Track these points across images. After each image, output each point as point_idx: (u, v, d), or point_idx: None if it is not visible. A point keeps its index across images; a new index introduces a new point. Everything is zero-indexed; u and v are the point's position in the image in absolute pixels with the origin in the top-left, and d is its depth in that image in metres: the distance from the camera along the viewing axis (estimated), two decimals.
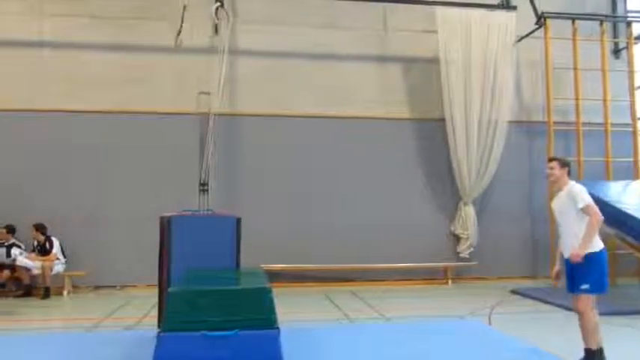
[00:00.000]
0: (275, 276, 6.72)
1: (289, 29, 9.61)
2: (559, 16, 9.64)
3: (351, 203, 9.57)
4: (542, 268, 9.67)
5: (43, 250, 8.50)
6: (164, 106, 9.15)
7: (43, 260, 8.36)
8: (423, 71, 9.99)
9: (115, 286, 8.87)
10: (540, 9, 9.62)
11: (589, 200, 4.64)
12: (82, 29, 9.16)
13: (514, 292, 8.47)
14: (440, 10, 9.68)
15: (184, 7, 8.48)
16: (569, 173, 4.94)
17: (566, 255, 4.75)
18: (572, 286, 4.67)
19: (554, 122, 9.52)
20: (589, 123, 9.67)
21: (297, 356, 4.63)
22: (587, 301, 4.61)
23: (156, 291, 5.59)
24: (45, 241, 8.53)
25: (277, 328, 4.08)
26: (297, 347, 4.88)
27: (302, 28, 9.65)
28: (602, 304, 4.89)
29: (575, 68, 9.59)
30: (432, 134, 9.93)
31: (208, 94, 8.85)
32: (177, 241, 5.21)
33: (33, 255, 8.49)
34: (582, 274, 4.60)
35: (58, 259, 8.52)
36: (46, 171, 8.85)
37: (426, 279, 9.65)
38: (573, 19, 9.66)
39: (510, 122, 9.90)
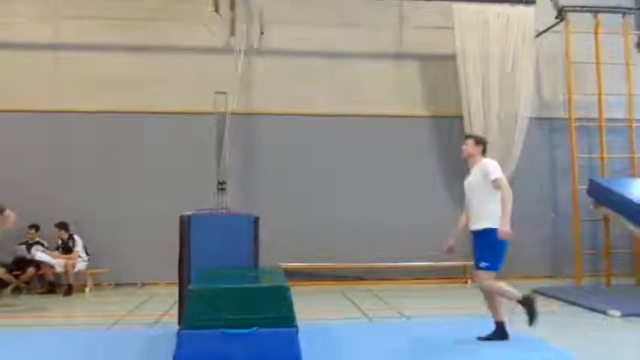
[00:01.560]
0: (293, 275, 6.73)
1: (305, 28, 9.61)
2: (580, 9, 9.46)
3: (368, 202, 9.53)
4: (564, 267, 9.54)
5: (67, 249, 8.65)
6: (181, 106, 9.23)
7: (66, 258, 8.51)
8: (440, 68, 9.90)
9: (135, 284, 8.99)
10: (560, 2, 9.45)
11: (500, 174, 4.71)
12: (99, 31, 9.30)
13: (535, 291, 8.33)
14: (457, 6, 9.58)
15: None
16: (484, 152, 5.00)
17: (472, 228, 4.85)
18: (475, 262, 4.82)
19: (576, 118, 9.35)
20: (612, 119, 9.49)
21: (315, 354, 4.62)
22: (487, 276, 4.76)
23: (176, 289, 5.64)
24: (68, 239, 8.68)
25: (296, 326, 4.08)
26: (316, 345, 4.87)
27: (318, 26, 9.63)
28: (628, 306, 4.81)
29: (597, 62, 9.40)
30: (449, 131, 9.83)
31: (225, 93, 8.88)
32: (197, 239, 5.26)
33: (56, 253, 8.65)
34: (482, 251, 4.76)
35: (80, 257, 8.67)
36: (67, 171, 8.99)
37: (444, 278, 9.57)
38: (595, 12, 9.47)
39: (530, 118, 9.75)
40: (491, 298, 4.94)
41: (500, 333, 4.95)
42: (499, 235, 4.68)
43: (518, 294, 4.86)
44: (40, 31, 9.22)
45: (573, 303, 7.26)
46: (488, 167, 4.81)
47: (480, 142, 5.09)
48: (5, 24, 9.13)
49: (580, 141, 9.42)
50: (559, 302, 7.51)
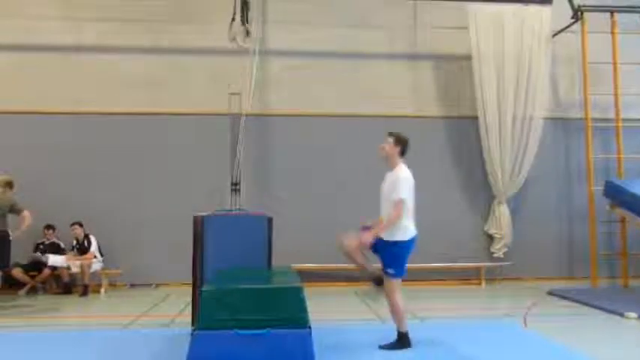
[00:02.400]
0: (306, 275, 6.72)
1: (319, 29, 9.61)
2: (597, 9, 9.35)
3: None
4: (580, 268, 9.43)
5: (82, 249, 8.75)
6: (197, 107, 9.29)
7: (82, 259, 8.60)
8: (455, 68, 9.84)
9: (150, 284, 9.06)
10: (577, 2, 9.35)
11: (403, 195, 4.69)
12: (117, 33, 9.38)
13: (550, 293, 8.25)
14: (472, 6, 9.52)
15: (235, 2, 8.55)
16: (402, 153, 4.95)
17: (380, 233, 4.79)
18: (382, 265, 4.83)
19: (593, 119, 9.24)
20: (629, 119, 9.36)
21: (328, 355, 4.62)
22: (393, 286, 4.74)
23: (190, 289, 5.67)
24: (84, 239, 8.78)
25: (309, 327, 4.09)
26: (329, 346, 4.88)
27: (332, 27, 9.63)
28: None
29: (613, 62, 9.28)
30: (464, 132, 9.78)
31: (239, 94, 8.92)
32: (211, 240, 5.29)
33: (71, 254, 8.75)
34: (389, 260, 4.75)
35: (95, 257, 8.76)
36: (84, 171, 9.09)
37: (459, 279, 9.51)
38: (612, 12, 9.36)
39: (546, 119, 9.65)
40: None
41: (403, 341, 4.90)
42: (361, 238, 4.76)
43: (406, 327, 4.89)
44: (62, 34, 9.33)
45: (589, 304, 7.18)
46: (399, 183, 4.76)
47: (400, 142, 4.96)
48: (28, 27, 9.26)
49: (596, 141, 9.31)
50: (575, 304, 7.42)
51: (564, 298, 7.82)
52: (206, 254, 5.25)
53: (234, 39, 8.42)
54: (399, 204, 4.72)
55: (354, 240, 4.86)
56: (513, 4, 9.63)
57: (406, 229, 4.82)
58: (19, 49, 9.32)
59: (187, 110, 9.29)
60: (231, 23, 8.41)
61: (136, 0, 9.43)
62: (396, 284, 4.83)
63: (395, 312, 4.89)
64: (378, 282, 4.95)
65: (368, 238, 4.76)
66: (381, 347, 4.90)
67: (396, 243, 4.78)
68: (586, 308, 7.09)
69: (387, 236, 4.82)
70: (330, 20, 9.63)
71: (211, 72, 9.34)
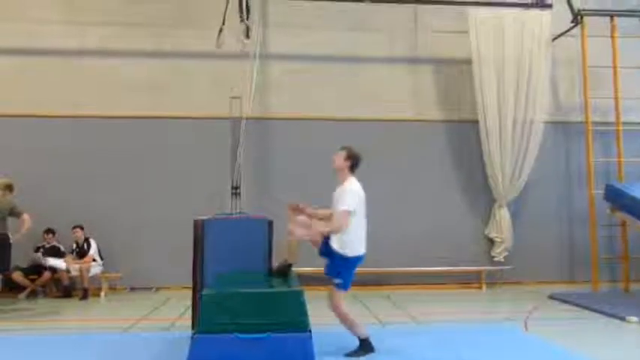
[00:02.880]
0: (307, 279, 6.70)
1: (320, 32, 9.62)
2: (596, 13, 9.37)
3: (382, 206, 9.44)
4: (581, 272, 9.41)
5: (82, 252, 8.74)
6: (197, 110, 9.30)
7: (81, 263, 8.59)
8: (455, 72, 9.85)
9: (150, 288, 9.05)
10: (577, 6, 9.36)
11: (347, 207, 4.64)
12: (119, 37, 9.39)
13: (551, 297, 8.24)
14: (472, 10, 9.53)
15: (226, 7, 8.57)
16: (352, 168, 4.92)
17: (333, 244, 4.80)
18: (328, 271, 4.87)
19: (593, 122, 9.24)
20: (630, 122, 9.36)
21: (328, 359, 4.61)
22: (339, 296, 4.76)
23: (190, 293, 5.66)
24: (84, 242, 8.77)
25: (309, 330, 4.08)
26: (329, 351, 4.86)
27: (333, 31, 9.64)
28: None
29: (613, 66, 9.30)
30: (464, 136, 9.78)
31: (240, 98, 8.93)
32: (211, 243, 5.28)
33: (70, 257, 8.74)
34: (336, 270, 4.78)
35: (95, 260, 8.75)
36: (85, 175, 9.08)
37: (459, 283, 9.49)
38: (612, 16, 9.37)
39: (546, 123, 9.65)
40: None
41: (365, 347, 4.87)
42: (292, 228, 4.90)
43: (364, 332, 4.89)
44: (64, 38, 9.34)
45: (590, 308, 7.17)
46: (345, 195, 4.75)
47: (351, 157, 4.93)
48: (30, 31, 9.27)
49: (596, 145, 9.30)
50: (576, 308, 7.41)
51: (565, 302, 7.81)
52: (206, 258, 5.25)
53: (221, 46, 8.45)
54: (343, 214, 4.68)
55: (337, 293, 4.83)
56: (513, 8, 9.65)
57: (353, 245, 4.78)
58: (22, 52, 9.33)
59: (188, 114, 9.30)
60: (219, 31, 8.43)
61: (138, 5, 9.46)
62: (341, 295, 4.82)
63: (344, 321, 4.86)
64: (278, 271, 4.96)
65: (300, 233, 4.87)
66: (346, 355, 4.82)
67: (341, 256, 4.77)
68: (587, 312, 7.08)
69: (337, 246, 4.78)
70: (331, 24, 9.65)
71: (212, 76, 9.36)
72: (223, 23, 8.46)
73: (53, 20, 9.35)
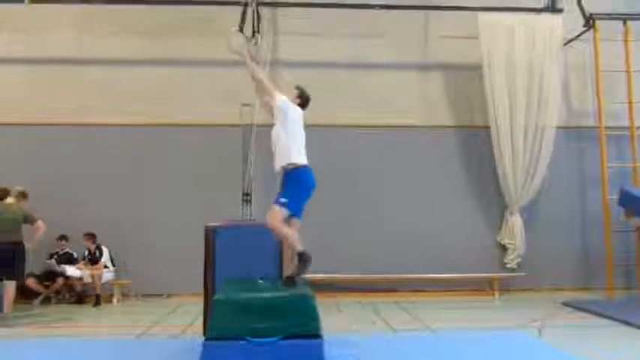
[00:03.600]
0: (317, 286, 6.69)
1: (330, 39, 9.63)
2: (609, 17, 9.29)
3: (394, 213, 9.46)
4: (596, 279, 9.29)
5: (94, 259, 8.80)
6: (208, 117, 9.34)
7: (92, 269, 8.65)
8: (466, 77, 9.82)
9: (162, 294, 9.08)
10: (588, 10, 9.30)
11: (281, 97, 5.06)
12: (125, 45, 9.49)
13: (566, 304, 8.13)
14: (482, 16, 9.48)
15: (245, 6, 8.60)
16: (302, 106, 5.26)
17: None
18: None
19: (606, 127, 9.15)
20: None
21: None
22: (278, 216, 4.64)
23: (201, 299, 5.67)
24: (95, 249, 8.84)
25: (321, 336, 4.06)
26: (340, 357, 4.83)
27: (342, 38, 9.65)
28: None
29: (627, 70, 9.21)
30: (475, 142, 9.73)
31: (250, 105, 8.96)
32: (222, 250, 5.30)
33: (82, 264, 8.81)
34: (283, 187, 4.79)
35: (106, 267, 8.80)
36: (95, 183, 9.17)
37: (471, 290, 9.41)
38: (624, 20, 9.30)
39: (559, 128, 9.57)
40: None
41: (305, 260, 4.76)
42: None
43: (300, 246, 4.75)
44: (68, 46, 9.48)
45: (606, 316, 7.05)
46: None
47: (301, 97, 5.38)
48: (36, 40, 9.42)
49: (610, 150, 9.20)
50: (591, 315, 7.30)
51: (580, 309, 7.69)
52: (217, 264, 5.26)
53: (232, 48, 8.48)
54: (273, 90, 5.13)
55: (274, 217, 4.75)
56: (524, 12, 9.60)
57: (301, 154, 4.99)
58: (30, 62, 9.46)
59: (200, 121, 9.34)
60: (230, 36, 8.47)
61: (150, 14, 9.53)
62: (281, 215, 4.75)
63: (287, 238, 4.76)
64: (303, 262, 4.77)
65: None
66: (288, 277, 4.71)
67: (289, 170, 4.87)
68: (602, 320, 6.97)
69: (283, 158, 4.92)
70: (341, 31, 9.66)
71: (223, 83, 9.39)
72: (243, 27, 8.47)
73: (58, 30, 9.45)
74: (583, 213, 9.79)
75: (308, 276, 6.10)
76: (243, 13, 8.73)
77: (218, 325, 4.05)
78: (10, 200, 7.37)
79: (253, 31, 8.75)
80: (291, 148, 4.87)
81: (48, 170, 9.01)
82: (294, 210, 4.79)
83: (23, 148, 9.10)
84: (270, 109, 5.18)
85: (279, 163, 4.92)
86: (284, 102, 5.01)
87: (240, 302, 4.14)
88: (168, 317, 7.44)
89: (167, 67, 9.57)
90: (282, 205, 4.72)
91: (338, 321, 6.80)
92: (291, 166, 4.85)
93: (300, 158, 4.89)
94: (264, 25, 9.56)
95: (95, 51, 9.50)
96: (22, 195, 7.54)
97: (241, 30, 8.47)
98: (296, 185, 4.82)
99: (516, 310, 8.00)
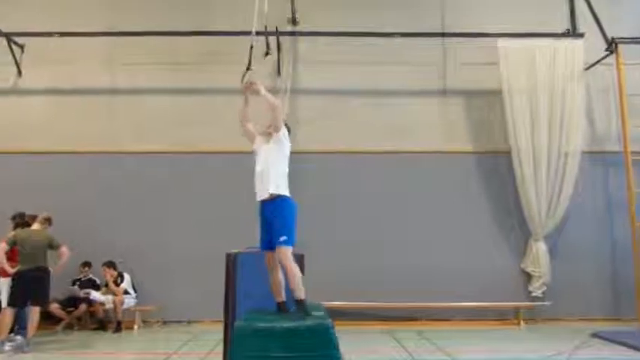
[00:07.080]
0: (338, 314, 6.63)
1: (349, 66, 9.75)
2: (631, 40, 9.22)
3: (415, 240, 9.36)
4: (626, 308, 8.99)
5: (116, 286, 8.86)
6: (229, 145, 9.44)
7: (113, 293, 8.70)
8: (487, 103, 9.81)
9: (182, 321, 9.06)
10: (610, 34, 9.24)
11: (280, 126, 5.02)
12: (150, 75, 9.77)
13: (595, 335, 7.84)
14: (502, 42, 9.50)
15: (251, 47, 8.80)
16: None
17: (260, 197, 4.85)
18: (270, 240, 4.73)
19: (632, 152, 8.98)
20: None
21: None
22: (288, 254, 4.57)
23: (222, 327, 5.64)
24: (117, 277, 8.90)
25: None
26: None
27: (362, 65, 9.75)
28: None
29: None
30: (497, 168, 9.65)
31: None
32: (243, 277, 5.28)
33: (104, 290, 8.87)
34: (279, 226, 4.70)
35: (128, 293, 8.84)
36: (117, 210, 9.32)
37: (495, 319, 9.19)
38: None
39: (583, 153, 9.44)
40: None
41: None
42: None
43: (302, 294, 4.60)
44: (95, 77, 9.80)
45: (638, 349, 6.77)
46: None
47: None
48: (63, 70, 9.75)
49: (637, 175, 9.01)
50: (622, 347, 7.02)
51: (610, 341, 7.40)
52: (238, 292, 5.24)
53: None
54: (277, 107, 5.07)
55: (284, 256, 4.65)
56: (544, 38, 9.59)
57: (286, 185, 4.96)
58: (57, 92, 9.78)
59: (220, 148, 9.46)
60: (246, 70, 8.61)
61: (175, 44, 9.78)
62: (290, 252, 4.68)
63: (295, 281, 4.60)
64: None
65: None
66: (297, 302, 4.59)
67: (281, 202, 4.87)
68: (634, 353, 6.70)
69: (274, 187, 4.88)
70: (360, 58, 9.76)
71: None
72: (249, 66, 8.64)
73: (87, 61, 9.76)
74: (610, 239, 9.56)
75: (327, 304, 6.05)
76: (250, 52, 8.89)
77: (238, 353, 4.01)
78: (35, 226, 7.50)
79: (249, 65, 8.86)
80: (284, 178, 4.95)
81: (73, 198, 9.18)
82: (293, 240, 4.83)
83: (50, 175, 9.31)
84: (252, 137, 5.31)
85: (269, 190, 4.90)
86: (285, 133, 5.11)
87: (260, 331, 4.10)
88: (189, 344, 7.40)
89: (191, 95, 9.79)
90: (285, 243, 4.75)
91: (359, 349, 6.68)
92: (281, 197, 4.90)
93: (287, 190, 4.98)
94: (284, 54, 9.73)
95: (121, 80, 9.77)
96: (47, 221, 7.67)
97: (248, 68, 8.63)
98: (289, 217, 4.89)
99: (543, 340, 7.76)
